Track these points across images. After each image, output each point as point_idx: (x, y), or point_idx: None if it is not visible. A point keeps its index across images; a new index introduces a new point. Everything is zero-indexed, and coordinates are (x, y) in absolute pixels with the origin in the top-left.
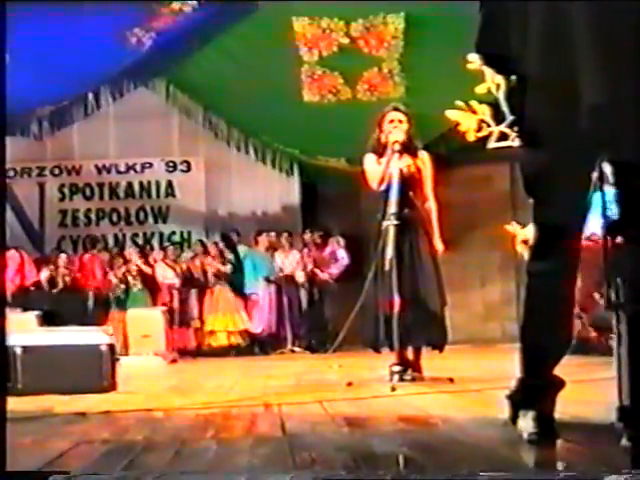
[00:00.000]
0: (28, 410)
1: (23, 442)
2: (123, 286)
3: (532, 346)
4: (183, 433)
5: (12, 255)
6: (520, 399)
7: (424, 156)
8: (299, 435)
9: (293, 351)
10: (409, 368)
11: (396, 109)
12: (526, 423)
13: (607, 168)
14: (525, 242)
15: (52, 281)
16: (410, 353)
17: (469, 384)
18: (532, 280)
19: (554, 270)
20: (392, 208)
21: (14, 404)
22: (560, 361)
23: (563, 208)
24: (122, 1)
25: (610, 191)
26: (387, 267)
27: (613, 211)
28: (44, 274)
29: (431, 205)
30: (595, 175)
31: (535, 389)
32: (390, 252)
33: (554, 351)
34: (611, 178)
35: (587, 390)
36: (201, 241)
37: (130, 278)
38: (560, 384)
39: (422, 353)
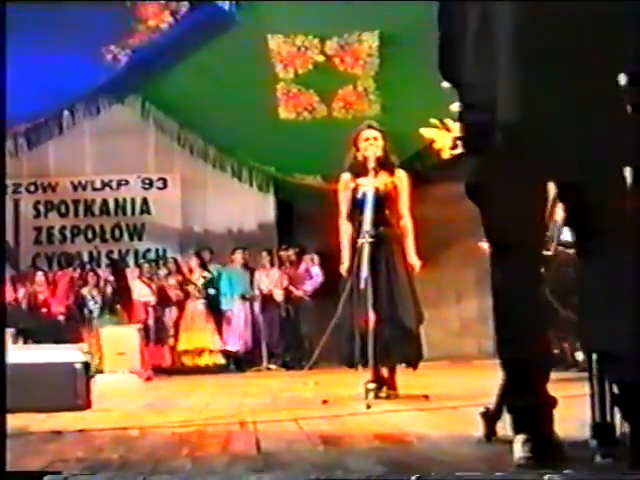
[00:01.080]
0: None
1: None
2: (98, 304)
3: (510, 364)
4: (158, 452)
5: None
6: (513, 422)
7: (401, 173)
8: (274, 453)
9: (269, 369)
10: (384, 385)
11: (370, 127)
12: (517, 447)
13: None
14: None
15: (27, 298)
16: (385, 370)
17: (445, 401)
18: (496, 296)
19: (514, 283)
20: (367, 226)
21: None
22: (547, 378)
23: (512, 221)
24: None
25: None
26: (362, 285)
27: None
28: (19, 292)
29: (407, 222)
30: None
31: (521, 410)
32: (365, 270)
33: (534, 367)
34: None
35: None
36: (174, 258)
37: (109, 294)
38: (550, 403)
39: (397, 370)
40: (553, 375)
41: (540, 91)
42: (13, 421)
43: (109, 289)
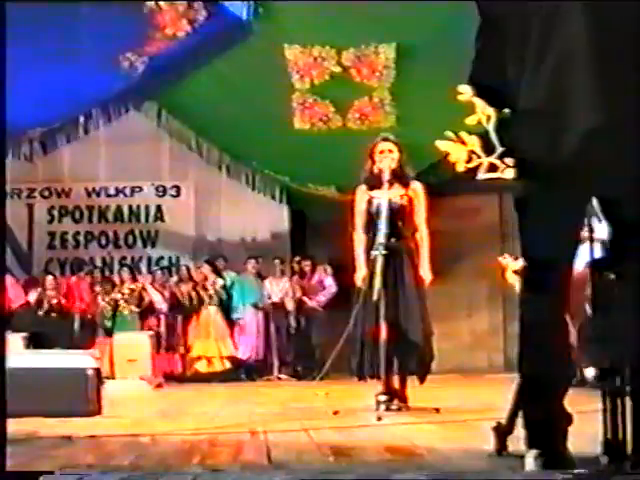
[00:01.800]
0: (13, 432)
1: (8, 464)
2: (111, 310)
3: (531, 380)
4: (169, 459)
5: None
6: (527, 436)
7: (416, 186)
8: (285, 463)
9: (279, 378)
10: (395, 398)
11: (386, 139)
12: (528, 461)
13: (596, 203)
14: (517, 272)
15: (39, 303)
16: (396, 382)
17: (455, 414)
18: (524, 310)
19: (545, 300)
20: (381, 238)
21: None
22: (565, 395)
23: (552, 239)
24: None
25: (600, 226)
26: (375, 296)
27: (603, 246)
28: (32, 296)
29: (423, 235)
30: (589, 207)
31: (537, 425)
32: (378, 282)
33: (555, 384)
34: (600, 213)
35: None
36: (186, 266)
37: (121, 301)
38: (567, 419)
39: (407, 383)
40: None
41: (603, 115)
42: (24, 426)
43: (126, 295)
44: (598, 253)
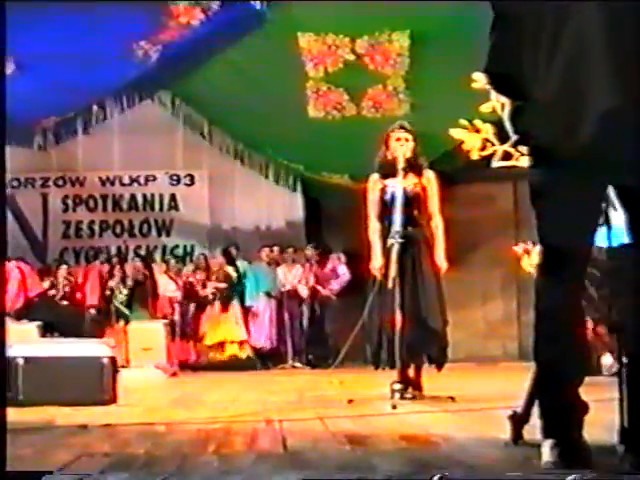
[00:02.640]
0: (29, 421)
1: (24, 453)
2: (126, 298)
3: (547, 368)
4: (184, 447)
5: (12, 269)
6: (543, 425)
7: (429, 174)
8: (300, 452)
9: (294, 366)
10: (410, 386)
11: (402, 127)
12: (544, 451)
13: (612, 191)
14: (533, 260)
15: (53, 292)
16: (411, 371)
17: (470, 403)
18: (540, 299)
19: (561, 288)
20: (396, 226)
21: (15, 415)
22: (581, 383)
23: (569, 227)
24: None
25: (617, 214)
26: (390, 284)
27: (620, 233)
28: (46, 285)
29: (437, 223)
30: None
31: (553, 414)
32: (393, 270)
33: (571, 373)
34: (616, 201)
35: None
36: (203, 254)
37: (135, 290)
38: (583, 408)
39: (423, 371)
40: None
41: (618, 99)
42: (40, 414)
43: (136, 284)
44: (616, 241)
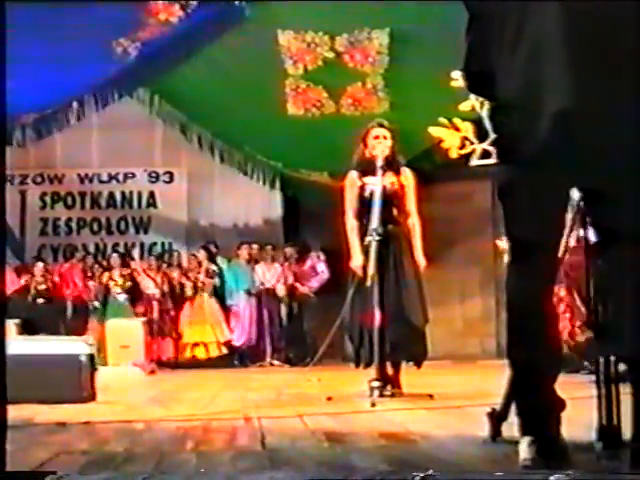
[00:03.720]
0: (8, 418)
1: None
2: (103, 296)
3: (520, 365)
4: (163, 445)
5: None
6: (520, 423)
7: (407, 173)
8: (279, 450)
9: (272, 364)
10: (389, 384)
11: (381, 125)
12: (522, 448)
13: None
14: None
15: (29, 290)
16: (390, 369)
17: (449, 401)
18: (510, 296)
19: (530, 285)
20: (374, 224)
21: None
22: (555, 380)
23: (534, 225)
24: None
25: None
26: (368, 282)
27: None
28: (24, 283)
29: (414, 221)
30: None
31: (529, 411)
32: (372, 268)
33: (544, 369)
34: (582, 201)
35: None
36: (180, 252)
37: (113, 288)
38: (559, 405)
39: (401, 369)
40: (561, 377)
41: (574, 98)
42: (18, 412)
43: (119, 281)
44: (592, 239)
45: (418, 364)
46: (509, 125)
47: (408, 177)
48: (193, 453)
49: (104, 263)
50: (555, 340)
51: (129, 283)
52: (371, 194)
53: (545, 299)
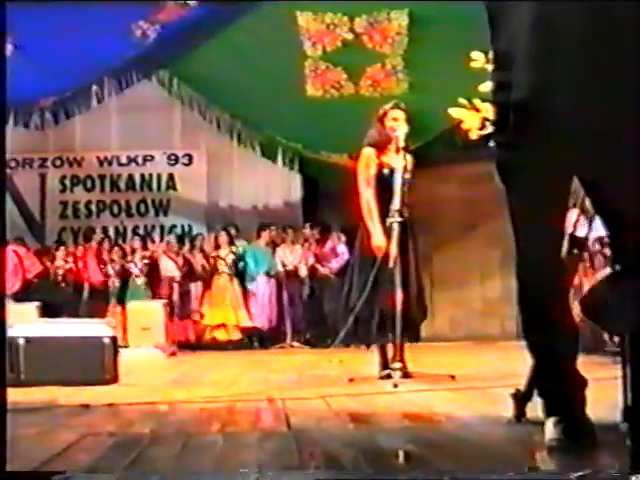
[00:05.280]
0: (32, 401)
1: (28, 433)
2: (123, 278)
3: (537, 347)
4: (188, 427)
5: (7, 253)
6: (545, 405)
7: (409, 158)
8: (304, 431)
9: (292, 346)
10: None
11: (399, 107)
12: (548, 428)
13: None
14: None
15: (51, 273)
16: (391, 349)
17: (471, 382)
18: (520, 276)
19: (539, 267)
20: (396, 205)
21: (17, 395)
22: (575, 358)
23: (541, 203)
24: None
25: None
26: (391, 264)
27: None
28: (45, 266)
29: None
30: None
31: (552, 392)
32: (394, 249)
33: (562, 350)
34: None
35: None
36: (202, 234)
37: (134, 269)
38: (581, 384)
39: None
40: (586, 359)
41: (577, 87)
42: (41, 395)
43: (139, 263)
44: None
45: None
46: (518, 108)
47: (410, 162)
48: (219, 434)
49: (124, 246)
50: (570, 319)
51: (149, 265)
52: (391, 173)
53: (554, 280)
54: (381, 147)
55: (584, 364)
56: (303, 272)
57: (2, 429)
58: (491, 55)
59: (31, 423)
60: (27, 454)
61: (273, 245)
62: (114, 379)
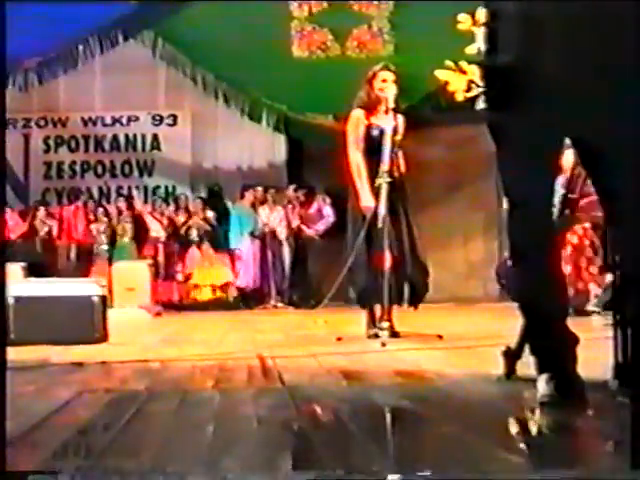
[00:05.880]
0: (24, 359)
1: (26, 390)
2: (108, 238)
3: (528, 308)
4: (183, 384)
5: None
6: (537, 362)
7: (400, 119)
8: (299, 387)
9: (276, 306)
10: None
11: (388, 68)
12: (540, 385)
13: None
14: None
15: (36, 233)
16: (378, 310)
17: (458, 341)
18: (512, 239)
19: (527, 228)
20: (385, 166)
21: (9, 354)
22: (566, 316)
23: (526, 169)
24: None
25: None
26: (380, 224)
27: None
28: (28, 226)
29: (402, 166)
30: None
31: (544, 350)
32: (383, 209)
33: (552, 310)
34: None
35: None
36: (186, 195)
37: (119, 230)
38: (572, 341)
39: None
40: (577, 320)
41: (568, 49)
42: (33, 354)
43: (119, 224)
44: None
45: (416, 305)
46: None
47: (401, 123)
48: (215, 390)
49: (108, 206)
50: (559, 279)
51: (134, 226)
52: (380, 134)
53: (543, 240)
54: (370, 109)
55: (577, 325)
56: (284, 233)
57: (2, 430)
58: (480, 17)
59: (27, 381)
60: (27, 411)
61: (257, 206)
62: (104, 338)
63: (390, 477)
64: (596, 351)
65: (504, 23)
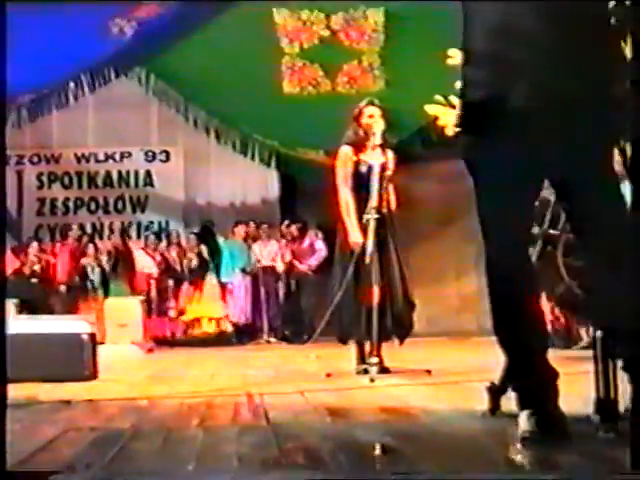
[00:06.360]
0: (13, 397)
1: (13, 428)
2: (100, 275)
3: (508, 344)
4: (169, 422)
5: None
6: (518, 399)
7: (390, 154)
8: (283, 425)
9: (269, 342)
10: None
11: (374, 103)
12: (521, 421)
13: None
14: None
15: (29, 269)
16: (368, 346)
17: (446, 376)
18: (490, 275)
19: (507, 262)
20: (373, 202)
21: None
22: (546, 352)
23: (506, 202)
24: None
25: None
26: (367, 260)
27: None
28: (22, 262)
29: (392, 202)
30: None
31: (525, 386)
32: (371, 245)
33: (532, 345)
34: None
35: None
36: (178, 231)
37: (111, 266)
38: (553, 377)
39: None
40: (559, 353)
41: (542, 87)
42: (21, 391)
43: (112, 261)
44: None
45: (402, 340)
46: (480, 97)
47: (390, 158)
48: (199, 429)
49: (101, 242)
50: (540, 315)
51: (126, 262)
52: (368, 170)
53: (524, 275)
54: (358, 145)
55: (557, 359)
56: (279, 268)
57: (2, 430)
58: (461, 53)
59: (14, 419)
60: (13, 448)
61: (250, 241)
62: (93, 375)
63: None
64: (578, 385)
65: (478, 61)
